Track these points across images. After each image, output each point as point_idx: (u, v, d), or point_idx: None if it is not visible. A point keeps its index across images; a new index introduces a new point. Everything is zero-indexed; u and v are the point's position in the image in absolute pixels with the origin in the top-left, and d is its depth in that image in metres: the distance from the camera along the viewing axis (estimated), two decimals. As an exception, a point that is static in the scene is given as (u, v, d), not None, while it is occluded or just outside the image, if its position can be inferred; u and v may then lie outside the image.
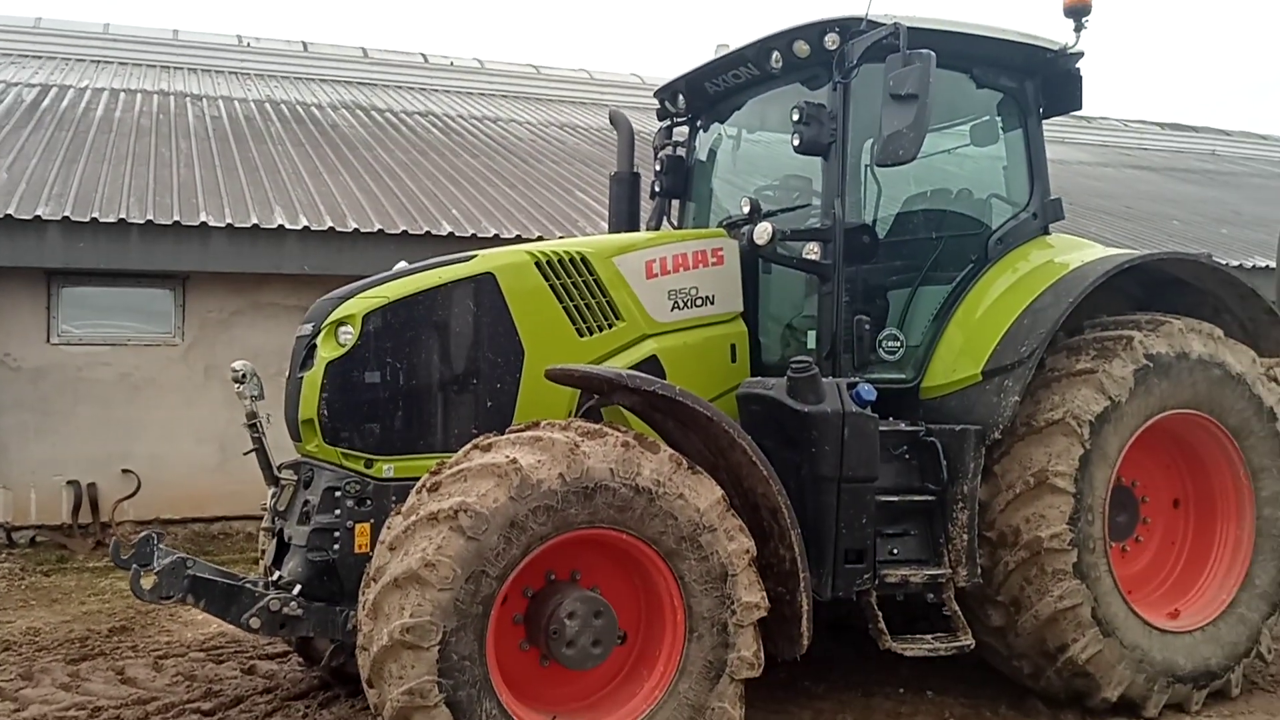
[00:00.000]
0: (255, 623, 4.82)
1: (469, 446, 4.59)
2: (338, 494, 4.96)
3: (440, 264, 5.37)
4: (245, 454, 5.35)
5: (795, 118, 5.63)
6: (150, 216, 10.77)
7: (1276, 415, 6.01)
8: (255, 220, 11.11)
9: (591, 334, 5.46)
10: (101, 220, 10.56)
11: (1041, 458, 5.45)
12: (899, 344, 5.85)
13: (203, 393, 11.60)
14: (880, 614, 5.26)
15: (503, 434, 4.71)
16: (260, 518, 11.16)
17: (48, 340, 11.20)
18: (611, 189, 7.10)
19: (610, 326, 5.52)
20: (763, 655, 4.69)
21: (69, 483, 11.05)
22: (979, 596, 5.56)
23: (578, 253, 5.51)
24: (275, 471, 5.29)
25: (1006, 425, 5.45)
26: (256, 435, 5.26)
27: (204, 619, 7.77)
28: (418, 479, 4.78)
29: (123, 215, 10.69)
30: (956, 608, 5.41)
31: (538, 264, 5.39)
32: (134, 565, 4.75)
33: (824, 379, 5.09)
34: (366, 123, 17.55)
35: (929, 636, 5.38)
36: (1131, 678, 5.51)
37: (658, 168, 7.02)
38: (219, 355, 11.65)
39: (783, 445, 5.06)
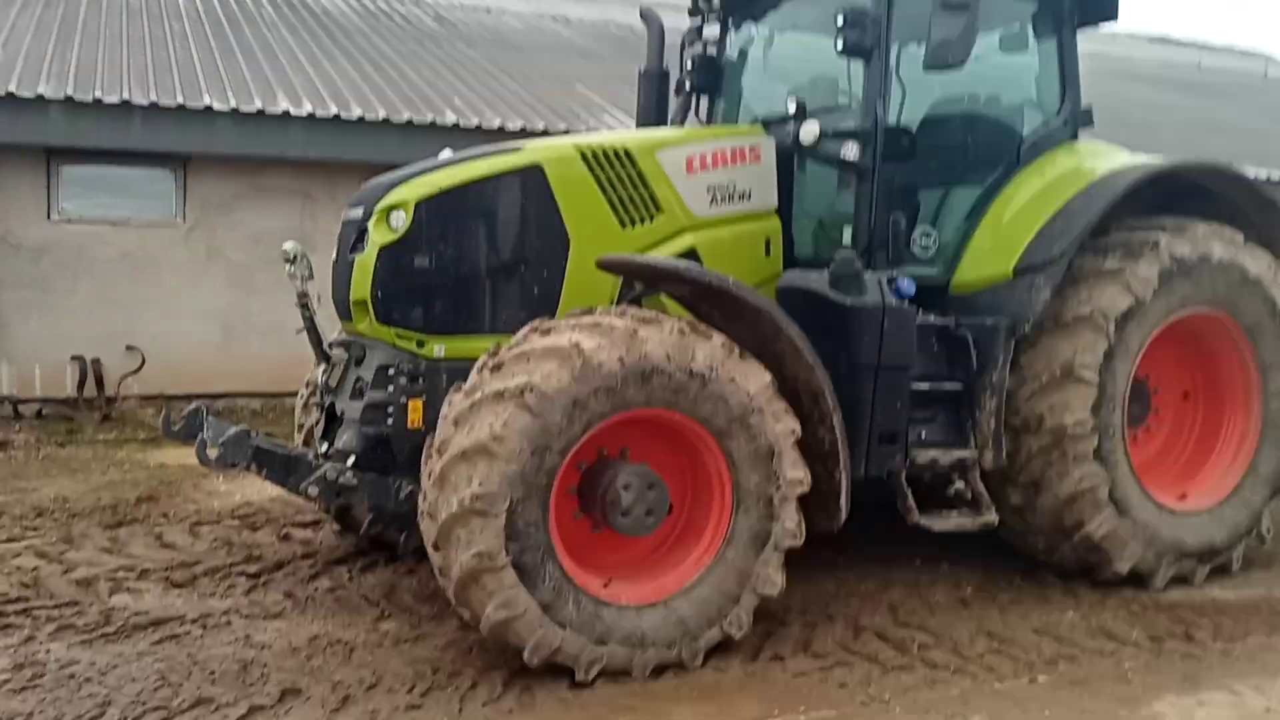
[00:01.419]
0: (313, 490, 5.00)
1: (527, 329, 4.73)
2: (391, 371, 5.11)
3: (487, 154, 5.44)
4: (297, 332, 5.47)
5: (839, 21, 5.68)
6: (154, 98, 10.67)
7: (1288, 315, 6.27)
8: (260, 104, 11.03)
9: (633, 225, 5.57)
10: (105, 101, 10.44)
11: (1068, 351, 5.68)
12: (932, 241, 6.01)
13: (205, 274, 11.65)
14: (909, 491, 5.52)
15: (558, 319, 4.86)
16: (265, 395, 11.44)
17: (48, 218, 11.15)
18: (640, 85, 7.08)
19: (651, 219, 5.62)
20: (804, 527, 4.94)
21: (74, 358, 11.11)
22: (999, 478, 5.82)
23: (622, 146, 5.59)
24: (326, 349, 5.41)
25: (1036, 320, 5.66)
26: (308, 314, 5.37)
27: (227, 490, 8.04)
28: (467, 359, 4.94)
29: (126, 96, 10.59)
30: (981, 487, 5.69)
31: (583, 156, 5.46)
32: (199, 435, 4.89)
33: (866, 273, 5.27)
34: (359, 9, 17.26)
35: (954, 512, 5.67)
36: (1141, 553, 5.85)
37: (688, 65, 7.02)
38: (220, 238, 11.69)
39: (822, 335, 5.21)
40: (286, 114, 11.05)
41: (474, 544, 4.30)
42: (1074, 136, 6.46)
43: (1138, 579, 5.92)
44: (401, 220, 5.12)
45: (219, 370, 11.54)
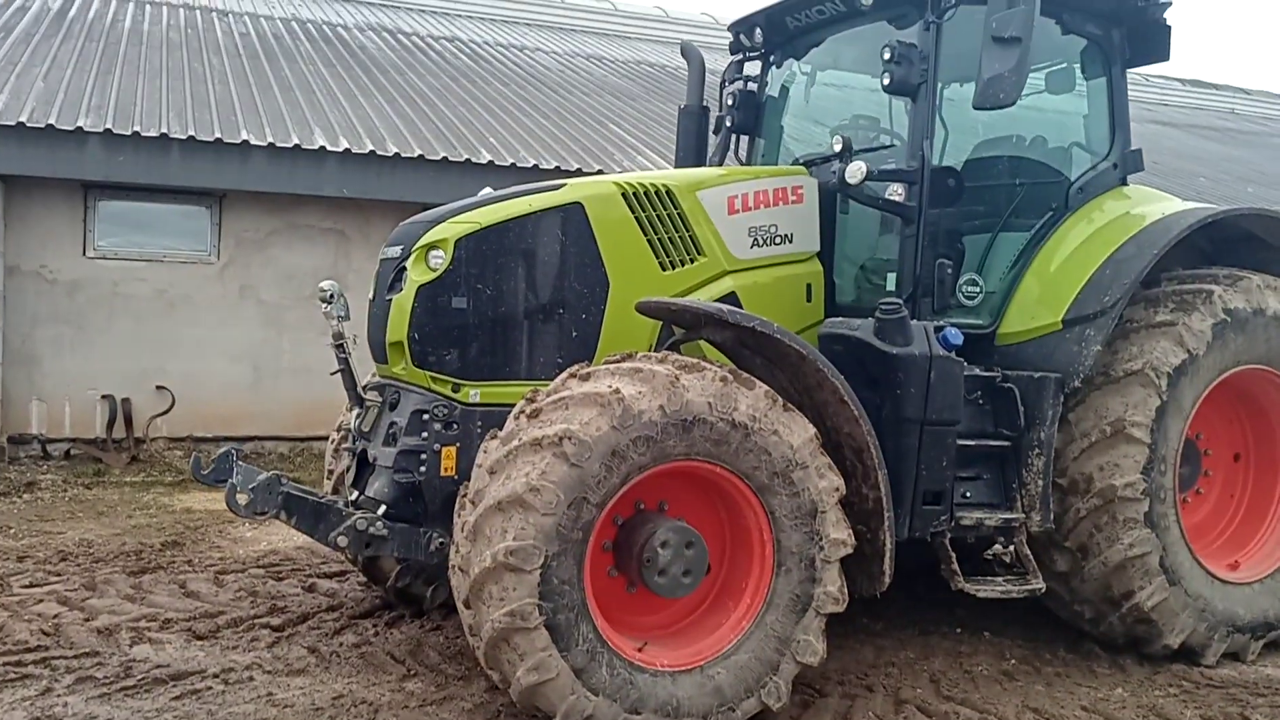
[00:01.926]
0: (343, 540, 4.87)
1: (565, 375, 4.60)
2: (425, 417, 4.97)
3: (527, 191, 5.34)
4: (332, 374, 5.35)
5: (886, 57, 5.56)
6: (192, 132, 10.69)
7: (1344, 375, 6.05)
8: (296, 140, 11.04)
9: (674, 268, 5.44)
10: (144, 134, 10.47)
11: (1118, 407, 5.48)
12: (978, 289, 5.85)
13: (237, 312, 11.61)
14: (954, 555, 5.33)
15: (596, 364, 4.73)
16: (294, 439, 11.37)
17: (84, 254, 11.16)
18: (680, 122, 7.02)
19: (692, 261, 5.50)
20: (846, 591, 4.75)
21: (103, 397, 11.09)
22: (1044, 542, 5.61)
23: (663, 185, 5.48)
24: (361, 392, 5.29)
25: (1087, 374, 5.48)
26: (343, 356, 5.25)
27: (252, 537, 7.91)
28: (503, 405, 4.86)
29: (164, 130, 10.62)
30: (1028, 551, 5.48)
31: (624, 195, 5.35)
32: (229, 481, 4.77)
33: (912, 322, 5.11)
34: (395, 46, 17.37)
35: (1000, 579, 5.47)
36: (1194, 626, 5.60)
37: (729, 102, 6.93)
38: (254, 275, 11.67)
39: (864, 386, 5.04)
40: (322, 149, 11.05)
41: (506, 601, 4.15)
42: (1123, 181, 6.30)
43: (1188, 654, 5.68)
44: (441, 259, 5.01)
45: (248, 412, 11.50)
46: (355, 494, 5.26)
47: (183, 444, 11.25)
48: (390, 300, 5.13)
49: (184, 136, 10.62)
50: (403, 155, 11.31)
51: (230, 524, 8.31)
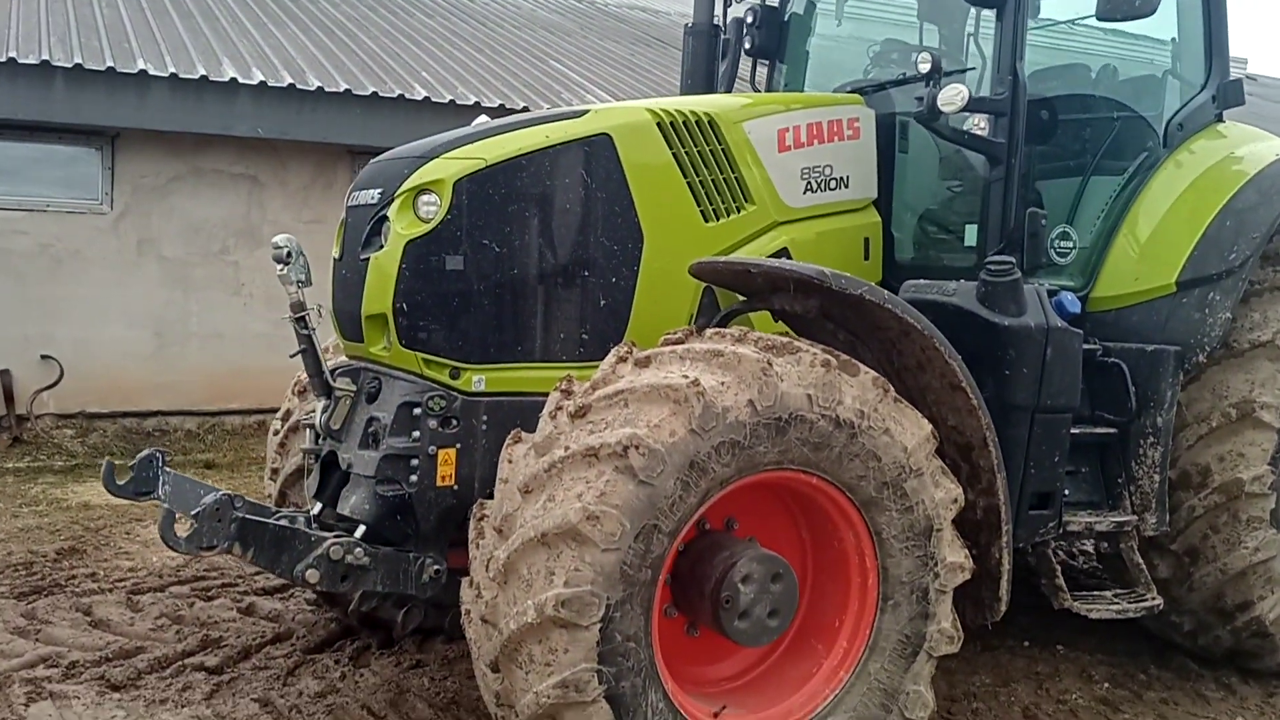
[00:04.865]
0: (313, 575, 3.72)
1: (614, 359, 3.51)
2: (416, 411, 3.84)
3: (538, 120, 4.21)
4: (291, 356, 4.13)
5: None
6: (79, 60, 9.16)
7: None
8: (203, 71, 9.57)
9: (719, 218, 4.38)
10: (21, 61, 8.92)
11: (1243, 386, 4.64)
12: (1071, 245, 4.91)
13: (135, 269, 10.12)
14: (1058, 568, 4.42)
15: (642, 344, 3.67)
16: (203, 414, 9.98)
17: (-48, 203, 9.57)
18: (686, 44, 5.87)
19: (739, 210, 4.44)
20: (960, 626, 3.79)
21: (-21, 369, 9.56)
22: (1141, 545, 4.73)
23: (704, 114, 4.39)
24: (330, 379, 4.08)
25: (1214, 346, 4.58)
26: (305, 332, 4.02)
27: (167, 537, 6.60)
28: (516, 394, 3.87)
29: (45, 56, 9.07)
30: (1140, 560, 4.59)
31: (660, 125, 4.25)
32: (157, 495, 3.58)
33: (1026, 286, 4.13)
34: (301, -29, 15.73)
35: (1109, 594, 4.57)
36: (1311, 640, 4.81)
37: (748, 20, 5.83)
38: (154, 227, 10.18)
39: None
40: (234, 82, 9.60)
41: (555, 667, 3.10)
42: (1219, 118, 5.38)
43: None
44: (435, 206, 3.85)
45: (150, 384, 10.04)
46: (318, 506, 4.10)
47: (74, 421, 9.81)
48: (367, 260, 3.95)
49: (69, 65, 9.09)
50: (326, 90, 9.93)
51: (138, 520, 7.03)
